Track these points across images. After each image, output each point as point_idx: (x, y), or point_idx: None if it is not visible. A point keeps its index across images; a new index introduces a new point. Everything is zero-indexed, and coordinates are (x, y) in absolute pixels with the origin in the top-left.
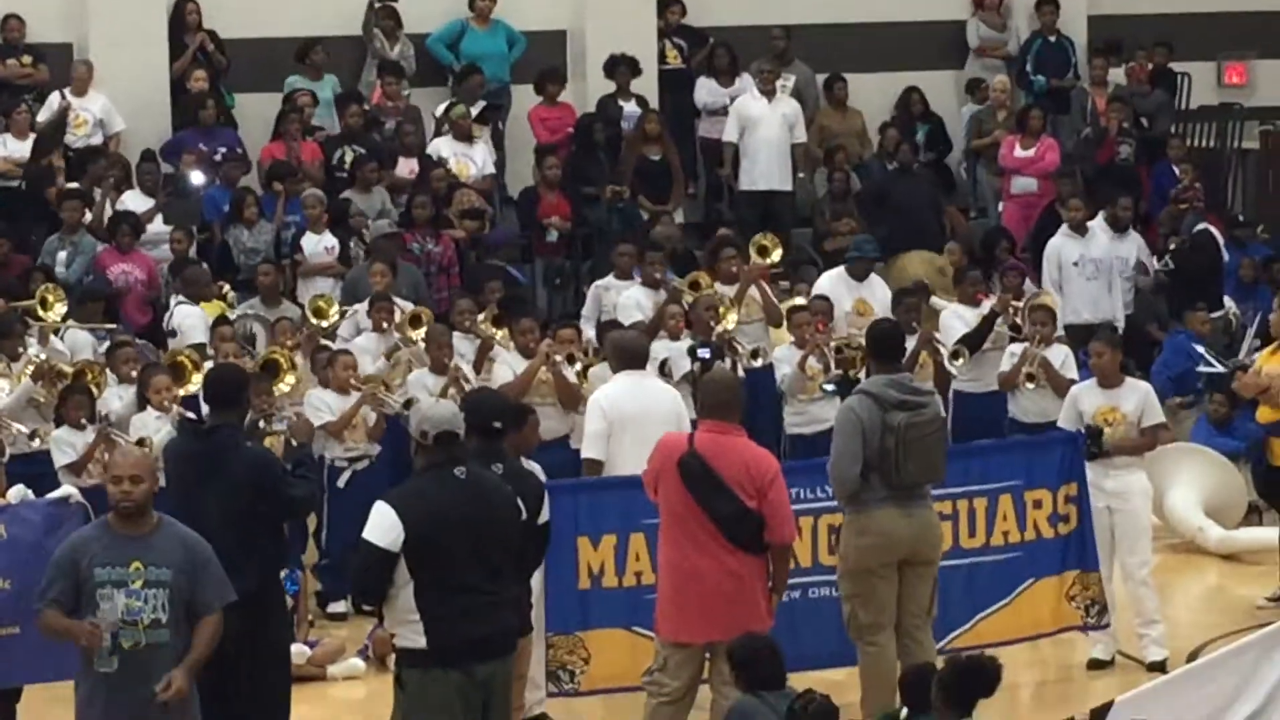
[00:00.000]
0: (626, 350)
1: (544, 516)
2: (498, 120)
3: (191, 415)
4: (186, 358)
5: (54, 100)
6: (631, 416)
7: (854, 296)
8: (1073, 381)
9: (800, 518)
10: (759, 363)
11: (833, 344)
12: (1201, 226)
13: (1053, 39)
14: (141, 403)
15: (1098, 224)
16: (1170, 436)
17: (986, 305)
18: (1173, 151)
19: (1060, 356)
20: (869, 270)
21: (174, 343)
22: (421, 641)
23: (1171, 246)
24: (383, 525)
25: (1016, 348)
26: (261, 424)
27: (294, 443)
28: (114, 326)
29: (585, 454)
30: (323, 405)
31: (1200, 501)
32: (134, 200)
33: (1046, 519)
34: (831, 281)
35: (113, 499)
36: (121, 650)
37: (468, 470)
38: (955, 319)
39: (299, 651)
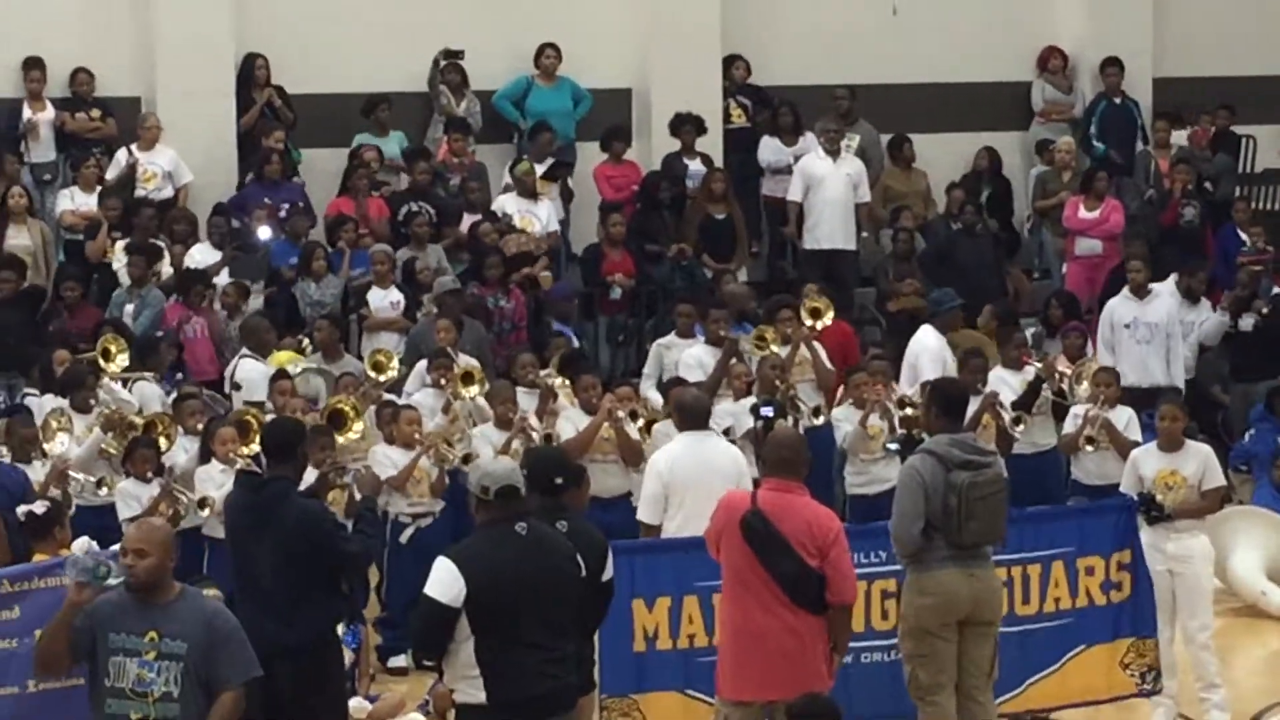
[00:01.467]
0: (689, 409)
1: (607, 574)
2: (565, 177)
3: (252, 469)
4: (253, 417)
5: (121, 156)
6: (691, 477)
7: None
8: (1136, 443)
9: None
10: (820, 420)
11: (893, 402)
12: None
13: (1118, 101)
14: (205, 455)
15: (1165, 288)
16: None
17: (1030, 369)
18: (1238, 215)
19: (1124, 419)
20: (958, 322)
21: (237, 396)
22: (482, 697)
23: (1264, 311)
24: (445, 581)
25: (1080, 409)
26: (331, 476)
27: (358, 496)
28: (151, 375)
29: (640, 516)
30: (386, 460)
31: (1263, 565)
32: (202, 254)
33: (1099, 586)
34: (933, 339)
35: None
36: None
37: (529, 526)
38: (1000, 383)
39: (359, 706)
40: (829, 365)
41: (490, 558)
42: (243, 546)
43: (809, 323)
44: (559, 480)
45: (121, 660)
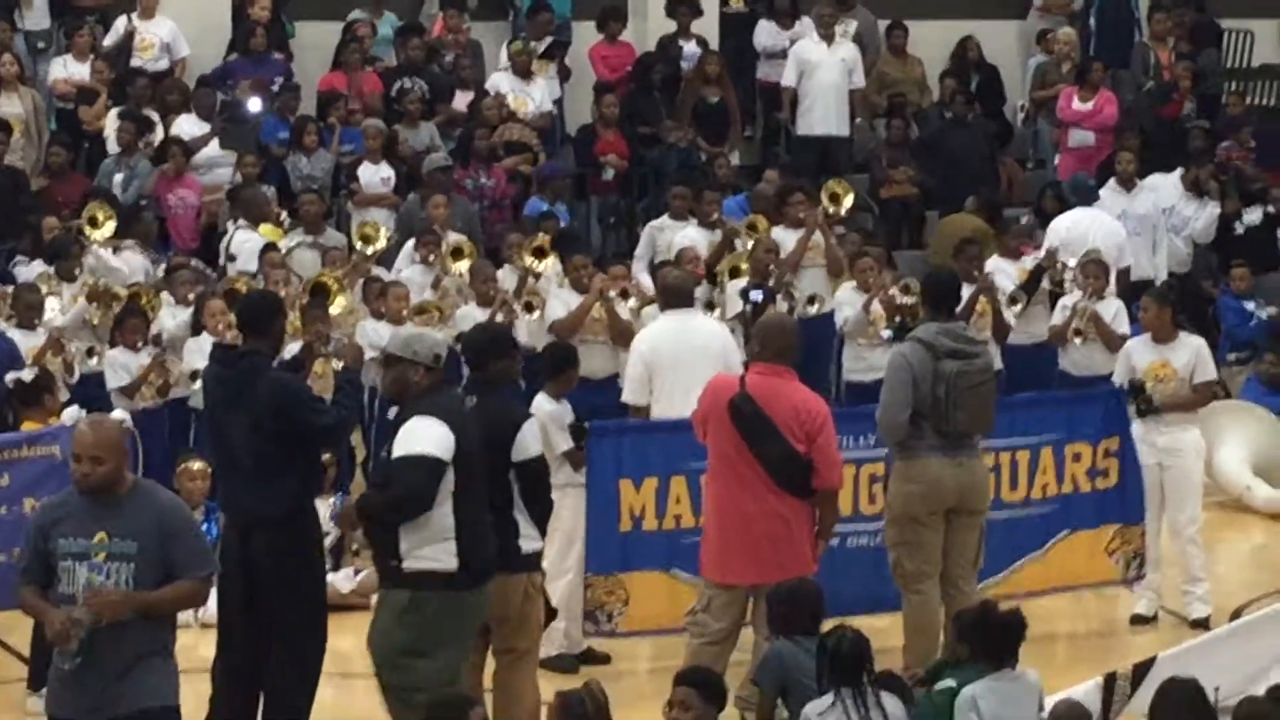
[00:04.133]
0: (672, 288)
1: (518, 454)
2: (562, 57)
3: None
4: (242, 284)
5: (120, 24)
6: (673, 357)
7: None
8: (1124, 336)
9: (843, 466)
10: (814, 310)
11: (898, 288)
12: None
13: None
14: (197, 327)
15: (1161, 180)
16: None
17: (1029, 259)
18: (1231, 109)
19: (1112, 310)
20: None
21: (231, 267)
22: (453, 563)
23: (1271, 209)
24: (437, 436)
25: (1069, 300)
26: (315, 346)
27: (338, 367)
28: (134, 243)
29: (625, 398)
30: (376, 335)
31: (1249, 460)
32: (189, 124)
33: (1085, 472)
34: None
35: (73, 475)
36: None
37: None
38: (999, 273)
39: (344, 578)
40: (840, 252)
41: (460, 419)
42: (218, 419)
43: (830, 208)
44: (485, 355)
45: (71, 565)
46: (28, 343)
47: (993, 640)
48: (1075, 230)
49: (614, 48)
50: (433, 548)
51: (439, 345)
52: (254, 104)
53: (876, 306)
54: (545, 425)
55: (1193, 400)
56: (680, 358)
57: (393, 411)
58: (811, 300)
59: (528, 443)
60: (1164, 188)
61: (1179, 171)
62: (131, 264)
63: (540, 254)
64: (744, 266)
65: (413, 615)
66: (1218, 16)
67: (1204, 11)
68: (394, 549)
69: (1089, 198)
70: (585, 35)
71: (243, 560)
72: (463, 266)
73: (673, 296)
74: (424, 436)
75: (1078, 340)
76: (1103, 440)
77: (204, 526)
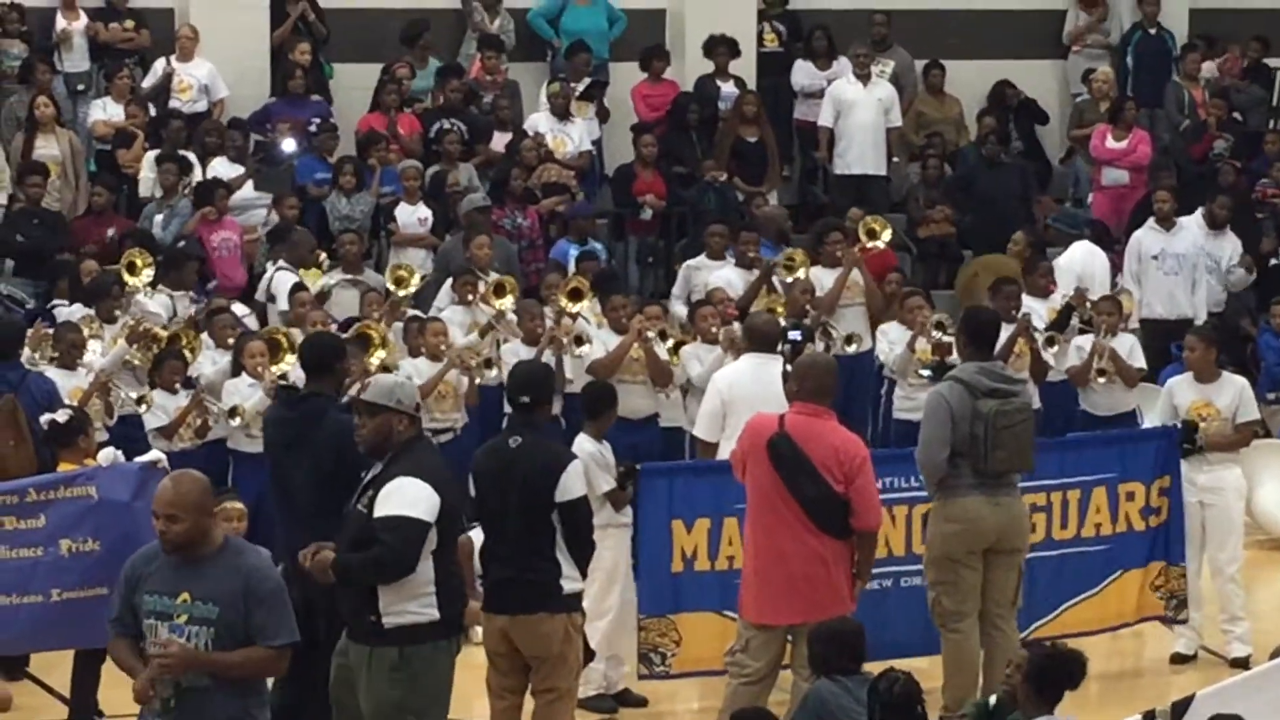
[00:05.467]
0: (757, 332)
1: (560, 494)
2: (600, 98)
3: (289, 384)
4: (283, 335)
5: (159, 66)
6: (749, 399)
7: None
8: (1140, 370)
9: (895, 506)
10: (852, 349)
11: (932, 325)
12: None
13: (1153, 31)
14: (237, 369)
15: (1193, 220)
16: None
17: (1057, 297)
18: (1269, 147)
19: (1127, 346)
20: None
21: (271, 307)
22: (435, 614)
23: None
24: (421, 498)
25: (1083, 340)
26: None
27: None
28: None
29: (696, 432)
30: (414, 373)
31: None
32: (222, 167)
33: (1139, 511)
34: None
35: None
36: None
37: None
38: (1029, 313)
39: None
40: (877, 288)
41: (443, 475)
42: (279, 461)
43: (867, 243)
44: (525, 399)
45: (154, 624)
46: (69, 383)
47: (1053, 682)
48: (1087, 264)
49: (657, 86)
50: (415, 602)
51: (417, 394)
52: (288, 145)
53: (923, 344)
54: (587, 466)
55: (1236, 440)
56: (756, 400)
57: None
58: (850, 340)
59: (572, 484)
60: (1189, 227)
61: (1200, 210)
62: (159, 304)
63: (576, 296)
64: (779, 309)
65: (402, 672)
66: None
67: (1267, 48)
68: (372, 605)
69: (1082, 230)
70: (623, 75)
71: (299, 600)
72: (506, 303)
73: (757, 340)
74: (412, 498)
75: (1101, 380)
76: (1156, 479)
77: None
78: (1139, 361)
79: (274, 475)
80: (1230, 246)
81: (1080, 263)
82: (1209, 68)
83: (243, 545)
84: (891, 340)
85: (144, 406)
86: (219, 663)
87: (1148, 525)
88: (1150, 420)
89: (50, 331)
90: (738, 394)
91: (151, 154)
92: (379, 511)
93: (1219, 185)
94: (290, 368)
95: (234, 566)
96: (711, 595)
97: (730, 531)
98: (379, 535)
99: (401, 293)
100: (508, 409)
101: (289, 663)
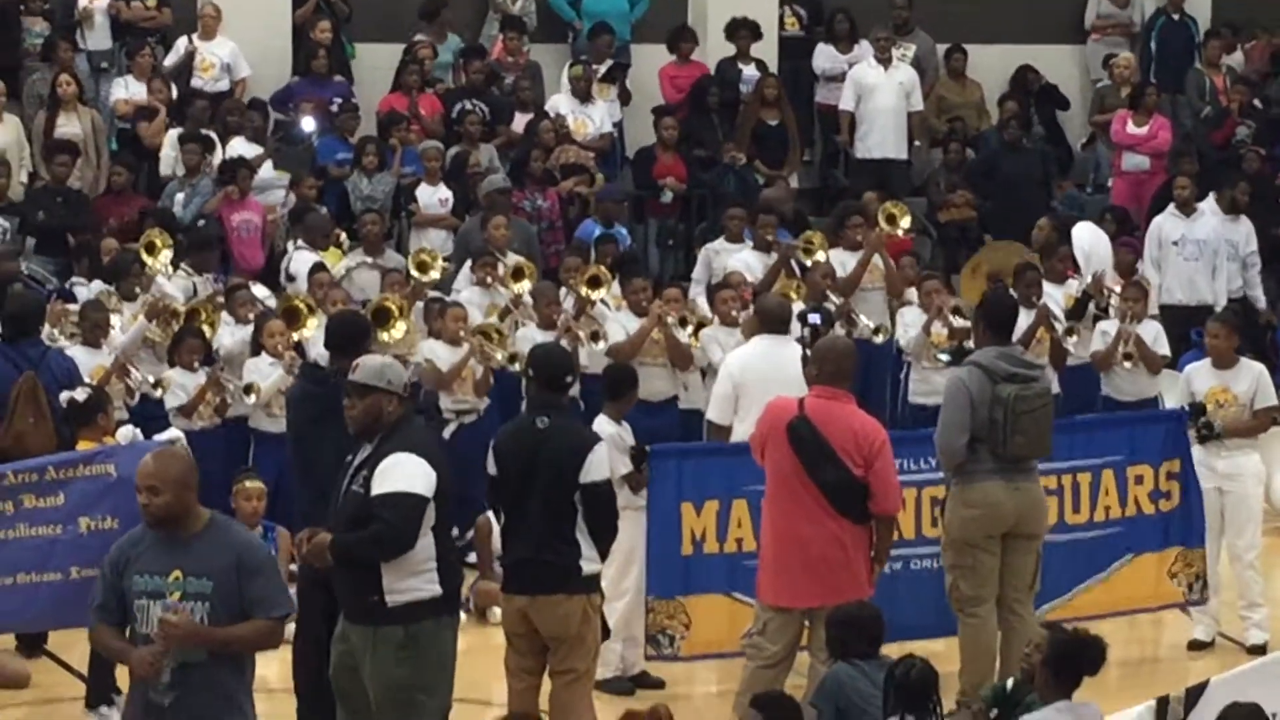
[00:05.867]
0: (768, 314)
1: (586, 475)
2: (622, 79)
3: (314, 361)
4: (302, 302)
5: (181, 44)
6: (762, 381)
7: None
8: (1164, 358)
9: (904, 489)
10: (880, 339)
11: (949, 310)
12: None
13: (1176, 17)
14: (256, 348)
15: (1208, 205)
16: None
17: (1074, 282)
18: None
19: (1152, 333)
20: None
21: (291, 288)
22: (438, 589)
23: None
24: (420, 474)
25: (1108, 325)
26: None
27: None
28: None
29: (709, 416)
30: (434, 356)
31: None
32: (241, 146)
33: (1147, 495)
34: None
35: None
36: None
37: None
38: (1044, 296)
39: None
40: (897, 272)
41: (436, 451)
42: (303, 437)
43: (886, 228)
44: (567, 379)
45: (145, 604)
46: (92, 361)
47: (1072, 665)
48: (1095, 245)
49: (684, 67)
50: (417, 578)
51: (405, 374)
52: (306, 124)
53: (939, 328)
54: (607, 448)
55: (1253, 426)
56: (769, 382)
57: (447, 432)
58: (878, 331)
59: (598, 466)
60: (1209, 213)
61: (1212, 195)
62: (176, 285)
63: (595, 283)
64: (794, 293)
65: (409, 650)
66: None
67: None
68: (375, 585)
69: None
70: (644, 57)
71: (321, 574)
72: (523, 287)
73: (768, 321)
74: (410, 474)
75: (1127, 364)
76: (1164, 463)
77: None
78: (1163, 349)
79: (297, 453)
80: (1245, 231)
81: (1088, 242)
82: (1234, 56)
83: (228, 522)
84: (907, 324)
85: (159, 391)
86: (221, 637)
87: (1157, 509)
88: (1170, 406)
89: (70, 309)
90: (750, 376)
91: (174, 133)
92: (377, 489)
93: (1243, 172)
94: (311, 333)
95: (223, 542)
96: (720, 578)
97: (739, 514)
98: (378, 512)
99: (425, 279)
100: (526, 393)
101: (317, 647)
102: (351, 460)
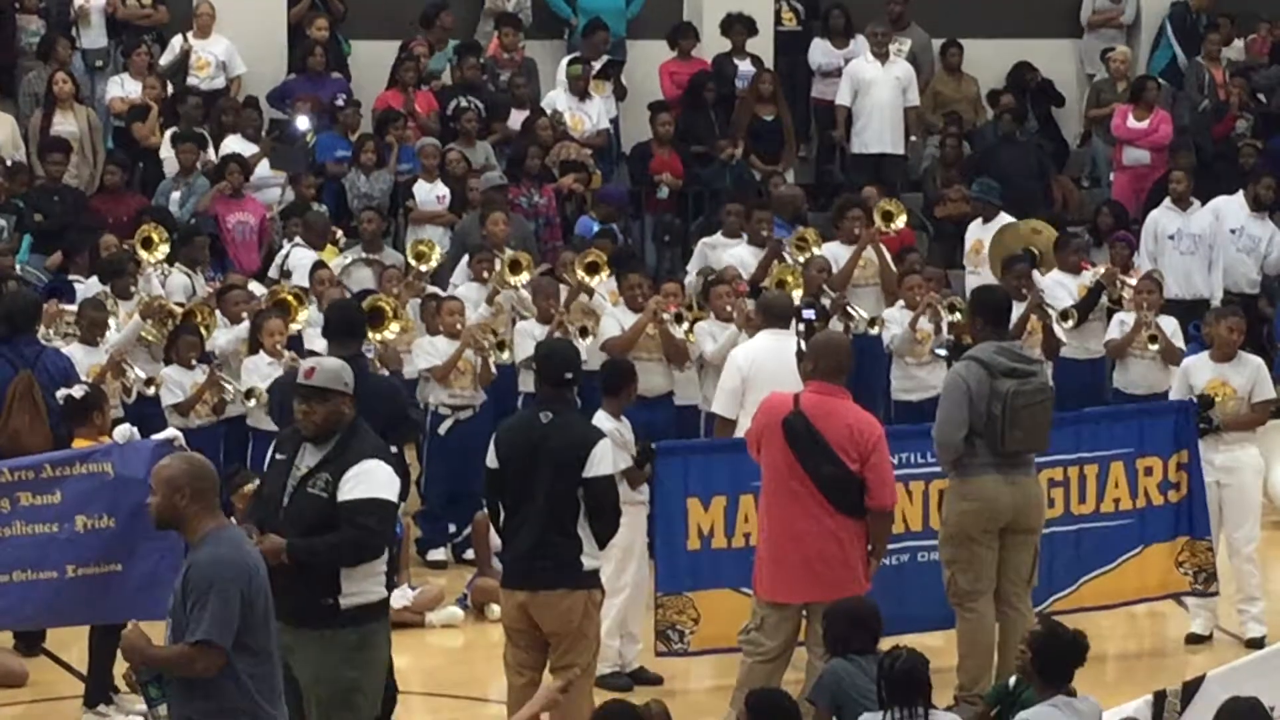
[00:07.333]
0: (772, 308)
1: (590, 470)
2: (618, 76)
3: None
4: (291, 294)
5: (176, 43)
6: (770, 375)
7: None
8: (1181, 351)
9: (911, 482)
10: (876, 331)
11: (944, 307)
12: None
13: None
14: (254, 347)
15: (1233, 200)
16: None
17: (1088, 274)
18: None
19: (1170, 328)
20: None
21: (286, 283)
22: (384, 592)
23: None
24: (388, 480)
25: (1126, 316)
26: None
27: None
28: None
29: (715, 409)
30: (431, 350)
31: None
32: (236, 144)
33: (1157, 486)
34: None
35: None
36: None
37: None
38: (1058, 287)
39: (400, 595)
40: (893, 268)
41: (389, 456)
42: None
43: (881, 225)
44: (568, 375)
45: None
46: (89, 359)
47: (1055, 661)
48: None
49: (685, 64)
50: (370, 581)
51: (353, 375)
52: (301, 122)
53: (924, 324)
54: None
55: (1252, 419)
56: (777, 376)
57: (443, 427)
58: (873, 323)
59: (601, 461)
60: (1229, 208)
61: (1241, 192)
62: (173, 284)
63: (593, 269)
64: (791, 280)
65: (363, 653)
66: None
67: None
68: (331, 588)
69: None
70: (640, 53)
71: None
72: (521, 280)
73: (773, 315)
74: (383, 481)
75: (1153, 346)
76: (1174, 454)
77: None
78: (1179, 343)
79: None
80: (1270, 229)
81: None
82: (1231, 50)
83: (217, 539)
84: (889, 319)
85: (151, 389)
86: (154, 656)
87: (1166, 500)
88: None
89: (66, 309)
90: (758, 371)
91: (169, 132)
92: (350, 495)
93: (1241, 167)
94: (303, 325)
95: (192, 560)
96: (729, 572)
97: (747, 509)
98: (356, 519)
99: (423, 267)
100: (523, 388)
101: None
102: (288, 460)
